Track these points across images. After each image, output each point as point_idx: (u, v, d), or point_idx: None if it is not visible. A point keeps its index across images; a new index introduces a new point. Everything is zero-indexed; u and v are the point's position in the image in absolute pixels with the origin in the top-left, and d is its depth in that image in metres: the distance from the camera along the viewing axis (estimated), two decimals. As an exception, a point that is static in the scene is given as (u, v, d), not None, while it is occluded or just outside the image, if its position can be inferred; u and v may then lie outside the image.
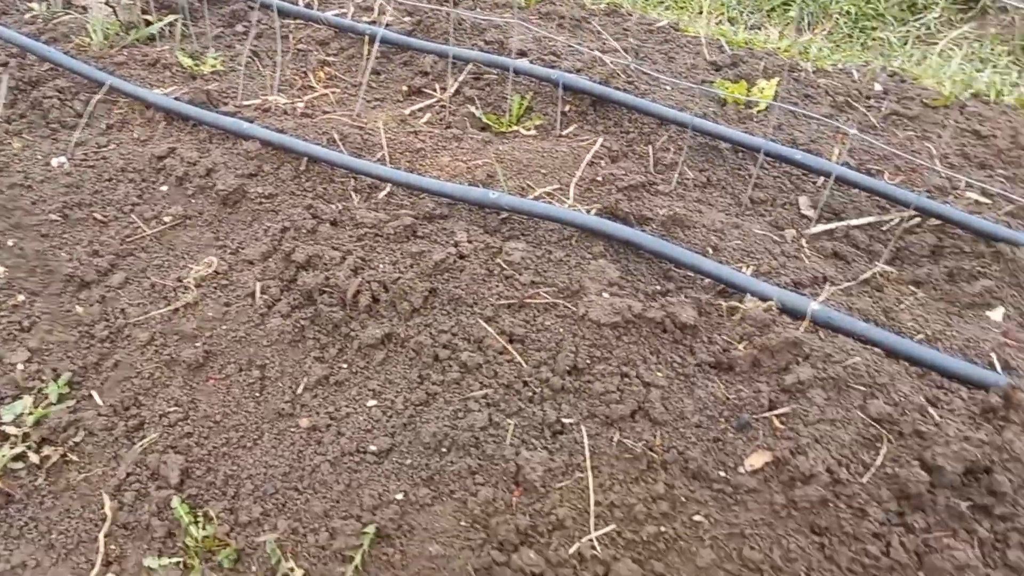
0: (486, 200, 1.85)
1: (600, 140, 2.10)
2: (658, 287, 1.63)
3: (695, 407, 1.35)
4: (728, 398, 1.36)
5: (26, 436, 1.52)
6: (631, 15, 3.02)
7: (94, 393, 1.59)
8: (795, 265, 1.74)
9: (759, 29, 3.30)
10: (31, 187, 1.93)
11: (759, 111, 2.34)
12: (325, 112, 2.29)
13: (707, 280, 1.66)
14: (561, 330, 1.51)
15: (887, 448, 1.25)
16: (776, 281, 1.66)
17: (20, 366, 1.63)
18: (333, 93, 2.44)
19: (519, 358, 1.48)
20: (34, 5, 2.78)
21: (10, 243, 1.82)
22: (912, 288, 1.71)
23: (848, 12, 3.29)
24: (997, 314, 1.66)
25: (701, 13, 3.37)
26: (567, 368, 1.43)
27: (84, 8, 2.72)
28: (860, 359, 1.37)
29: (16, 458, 1.49)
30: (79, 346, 1.65)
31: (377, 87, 2.49)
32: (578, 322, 1.50)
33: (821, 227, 1.91)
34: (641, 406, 1.35)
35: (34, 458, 1.49)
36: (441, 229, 1.83)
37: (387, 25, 2.71)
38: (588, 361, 1.43)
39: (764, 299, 1.53)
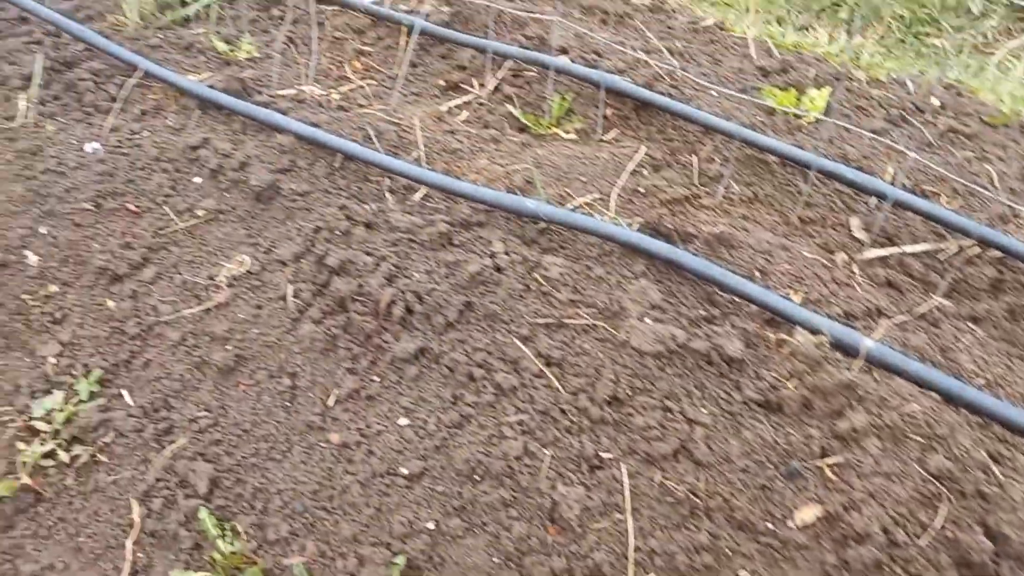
0: (524, 209, 1.80)
1: (643, 149, 2.04)
2: (702, 312, 1.58)
3: (741, 449, 1.30)
4: (777, 442, 1.31)
5: (56, 433, 1.51)
6: (676, 12, 2.93)
7: (124, 392, 1.57)
8: (847, 294, 1.67)
9: (808, 30, 3.20)
10: (65, 173, 1.90)
11: (809, 122, 2.26)
12: (361, 105, 2.24)
13: (754, 306, 1.60)
14: (600, 355, 1.46)
15: (947, 509, 1.20)
16: (827, 311, 1.60)
17: (52, 359, 1.61)
18: (369, 85, 2.39)
19: (556, 383, 1.44)
20: (70, -21, 2.74)
21: (43, 231, 1.80)
22: (971, 325, 1.64)
23: (901, 16, 3.18)
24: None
25: (748, 11, 3.27)
26: (606, 398, 1.38)
27: (120, -16, 2.68)
28: (918, 406, 1.31)
29: (46, 455, 1.48)
30: (110, 342, 1.63)
31: (414, 80, 2.43)
32: (618, 348, 1.46)
33: (874, 252, 1.84)
34: (684, 445, 1.31)
35: (64, 456, 1.48)
36: (477, 237, 1.78)
37: (425, 15, 2.65)
38: (629, 391, 1.39)
39: (814, 332, 1.47)
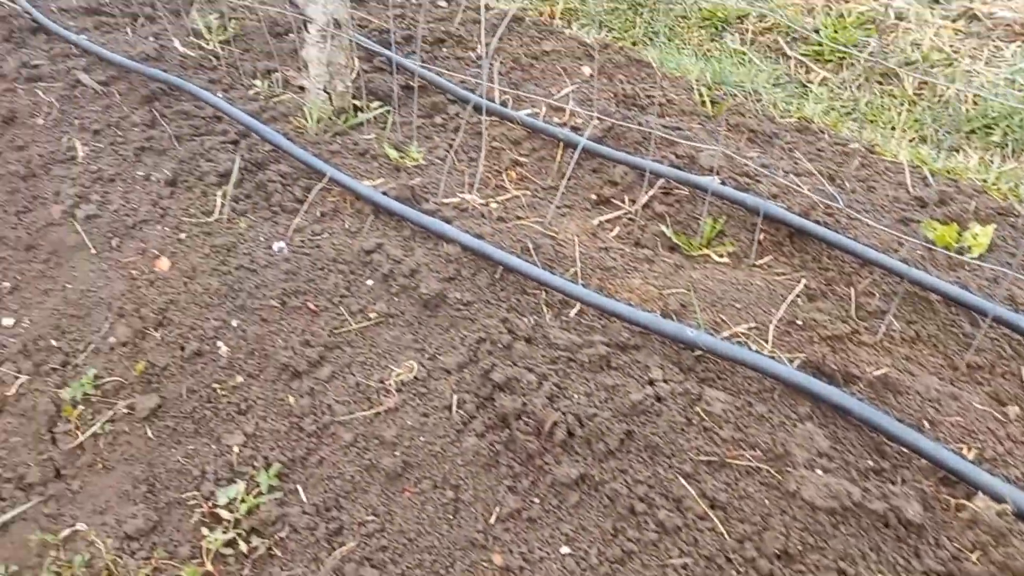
0: (683, 336, 1.83)
1: (803, 282, 2.04)
2: (871, 463, 1.55)
3: (924, 624, 1.26)
4: (962, 620, 1.26)
5: (238, 522, 1.62)
6: (823, 133, 2.95)
7: (300, 488, 1.67)
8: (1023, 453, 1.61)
9: (957, 152, 3.14)
10: (255, 270, 2.08)
11: (972, 258, 2.21)
12: (518, 217, 2.36)
13: (924, 460, 1.56)
14: (767, 503, 1.45)
15: None
16: (1004, 472, 1.54)
17: (236, 449, 1.74)
18: (524, 195, 2.51)
19: (721, 528, 1.44)
20: (257, 82, 3.04)
21: (234, 323, 1.97)
22: None
23: (1061, 143, 3.08)
24: None
25: (894, 130, 3.25)
26: (776, 551, 1.37)
27: (301, 88, 2.95)
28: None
29: (227, 543, 1.59)
30: (289, 437, 1.75)
31: (566, 193, 2.54)
32: (787, 497, 1.45)
33: (1049, 407, 1.76)
34: (862, 612, 1.28)
35: (243, 547, 1.58)
36: (635, 361, 1.82)
37: (576, 129, 2.78)
38: (800, 547, 1.37)
39: (997, 499, 1.42)
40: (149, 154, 2.58)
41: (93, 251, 2.22)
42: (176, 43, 3.25)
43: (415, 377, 1.84)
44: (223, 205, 2.32)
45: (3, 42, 3.26)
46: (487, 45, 3.31)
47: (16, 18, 3.37)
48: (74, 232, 2.28)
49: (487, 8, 3.94)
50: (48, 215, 2.35)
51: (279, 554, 1.58)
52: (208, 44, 3.31)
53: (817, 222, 2.21)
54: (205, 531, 1.62)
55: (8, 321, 2.08)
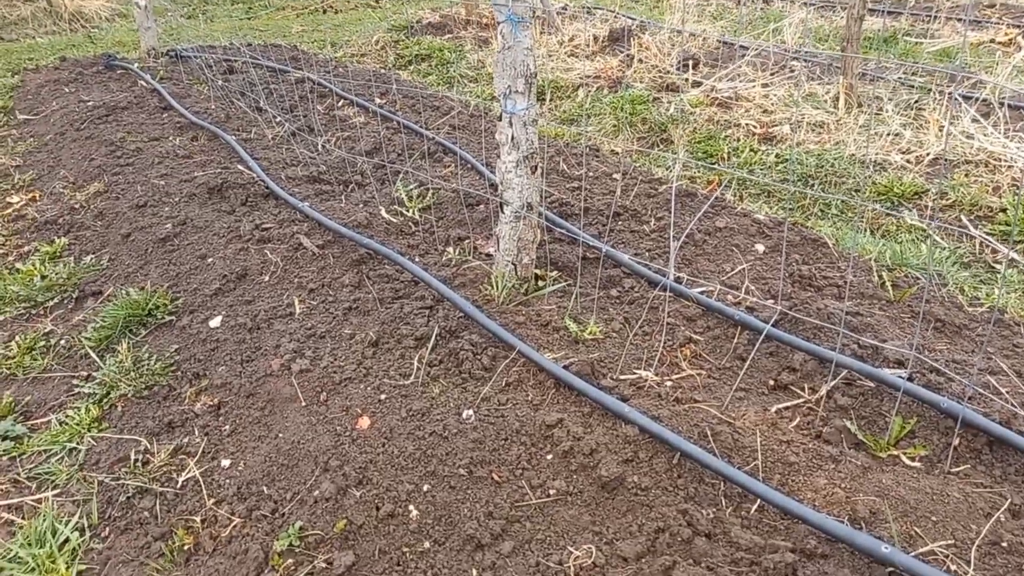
0: (875, 552, 1.77)
1: (1008, 499, 1.93)
2: None
3: None
4: None
5: None
6: (1019, 326, 2.82)
7: (478, 668, 1.72)
8: None
9: None
10: (447, 438, 2.23)
11: None
12: (694, 400, 2.40)
13: None
14: None
15: None
16: None
17: (419, 618, 1.82)
18: (699, 375, 2.56)
19: None
20: (449, 249, 3.35)
21: (425, 488, 2.11)
22: None
23: None
24: None
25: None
26: None
27: (488, 256, 3.22)
28: None
29: None
30: (470, 612, 1.82)
31: (743, 376, 2.57)
32: None
33: None
34: None
35: None
36: (823, 572, 1.77)
37: (752, 310, 2.83)
38: None
39: None
40: (355, 314, 2.89)
41: (304, 404, 2.47)
42: (382, 211, 3.67)
43: (593, 563, 1.87)
44: (419, 369, 2.54)
45: (241, 206, 3.82)
46: (670, 225, 3.49)
47: (253, 185, 3.95)
48: (288, 384, 2.56)
49: (659, 182, 4.16)
50: (268, 366, 2.66)
51: None
52: (408, 211, 3.71)
53: (1021, 432, 2.09)
54: None
55: (226, 463, 2.34)
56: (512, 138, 2.80)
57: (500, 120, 2.82)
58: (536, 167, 2.87)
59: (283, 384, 2.57)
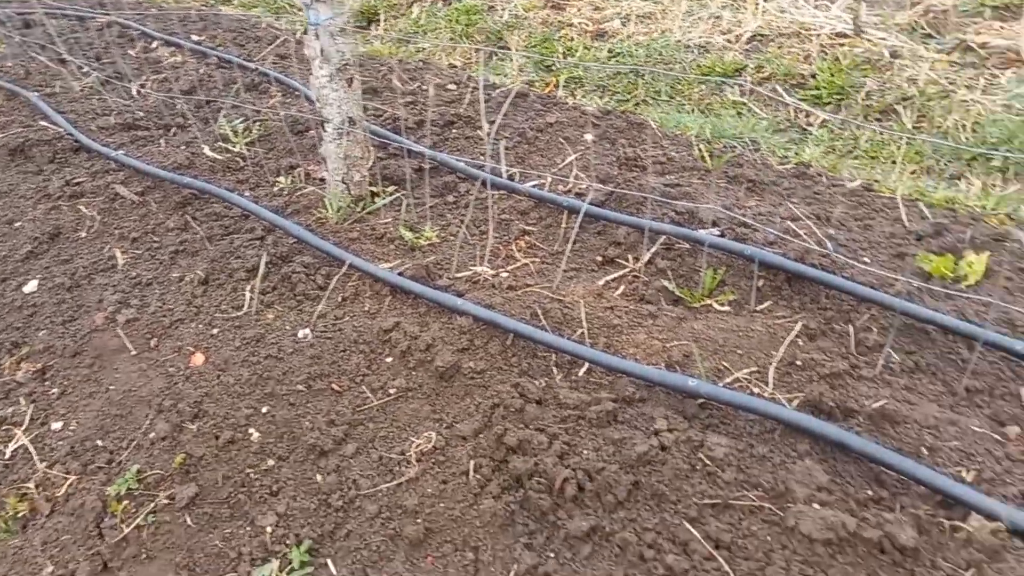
0: (685, 387, 1.91)
1: (800, 323, 2.11)
2: (870, 493, 1.59)
3: (923, 650, 1.30)
4: (960, 643, 1.29)
5: (272, 600, 1.72)
6: (820, 176, 3.04)
7: (329, 562, 1.77)
8: (1022, 471, 1.63)
9: (959, 180, 3.19)
10: (282, 358, 2.23)
11: (968, 286, 2.25)
12: (527, 285, 2.48)
13: (921, 486, 1.60)
14: (769, 539, 1.51)
15: None
16: (1003, 492, 1.57)
17: (269, 529, 1.85)
18: (533, 263, 2.64)
19: (727, 567, 1.50)
20: (280, 179, 3.26)
21: (264, 410, 2.10)
22: None
23: (1063, 162, 3.11)
24: None
25: (894, 163, 3.32)
26: (779, 586, 1.42)
27: (321, 180, 3.16)
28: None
29: (264, 620, 1.68)
30: (318, 514, 1.86)
31: (572, 256, 2.66)
32: (787, 533, 1.50)
33: (1051, 426, 1.79)
34: (862, 642, 1.32)
35: (279, 622, 1.67)
36: (640, 414, 1.90)
37: (581, 195, 2.92)
38: (801, 581, 1.42)
39: (990, 518, 1.45)
40: (183, 256, 2.79)
41: (133, 352, 2.39)
42: (206, 149, 3.51)
43: (434, 447, 1.94)
44: (251, 299, 2.49)
45: (48, 164, 3.56)
46: (491, 123, 3.51)
47: (60, 140, 3.68)
48: (115, 336, 2.46)
49: (494, 87, 4.16)
50: (92, 322, 2.54)
51: (313, 625, 1.67)
52: (235, 147, 3.57)
53: (813, 265, 2.29)
54: (245, 608, 1.72)
55: (57, 425, 2.25)
56: (321, 51, 2.71)
57: (306, 34, 2.73)
58: (352, 79, 2.81)
59: (109, 337, 2.48)
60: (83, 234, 2.99)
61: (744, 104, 3.99)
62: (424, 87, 4.17)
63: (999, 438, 1.77)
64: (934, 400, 1.90)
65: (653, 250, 2.55)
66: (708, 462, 1.69)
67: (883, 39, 4.33)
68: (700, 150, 3.28)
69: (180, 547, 1.86)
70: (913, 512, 1.53)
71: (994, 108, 3.61)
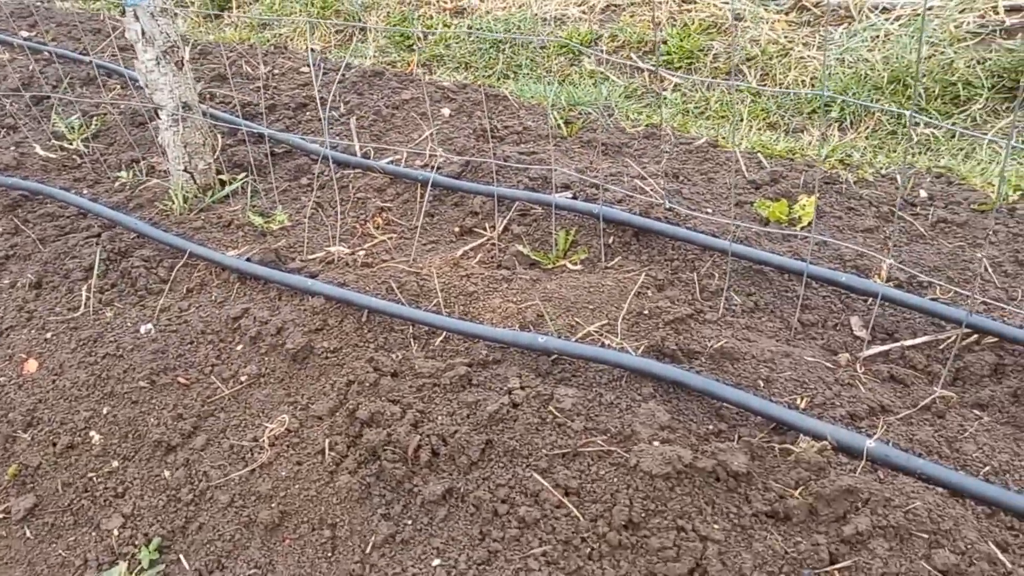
0: (535, 345, 1.93)
1: (644, 273, 2.17)
2: (711, 427, 1.66)
3: (754, 563, 1.36)
4: (787, 552, 1.36)
5: (119, 604, 1.63)
6: (669, 136, 3.14)
7: (182, 557, 1.69)
8: (850, 394, 1.74)
9: (801, 132, 3.36)
10: (122, 356, 2.11)
11: (802, 227, 2.38)
12: (383, 260, 2.44)
13: (760, 417, 1.68)
14: (615, 481, 1.54)
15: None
16: (832, 414, 1.67)
17: (115, 532, 1.75)
18: (390, 238, 2.60)
19: (576, 511, 1.52)
20: (122, 174, 3.08)
21: (105, 411, 1.99)
22: (976, 412, 1.68)
23: (890, 110, 3.33)
24: (1067, 434, 1.62)
25: (742, 121, 3.47)
26: (623, 522, 1.46)
27: (166, 172, 3.00)
28: (921, 503, 1.36)
29: (110, 627, 1.59)
30: (167, 510, 1.77)
31: (431, 229, 2.64)
32: (631, 472, 1.54)
33: (875, 349, 1.91)
34: (699, 563, 1.37)
35: (126, 627, 1.59)
36: (495, 375, 1.91)
37: (438, 169, 2.89)
38: (643, 515, 1.46)
39: (818, 438, 1.54)
40: (14, 261, 2.59)
41: (-40, 365, 2.21)
42: (37, 148, 3.27)
43: (287, 429, 1.88)
44: (88, 299, 2.34)
45: None
46: (333, 99, 3.43)
47: None
48: (-61, 351, 2.27)
49: (348, 67, 4.06)
50: (-89, 338, 2.33)
51: (164, 625, 1.59)
52: (71, 144, 3.34)
53: (658, 219, 2.35)
54: (90, 618, 1.62)
55: None
56: (143, 33, 2.56)
57: (124, 16, 2.57)
58: (181, 61, 2.67)
59: (-68, 352, 2.27)
60: None
61: (600, 73, 4.07)
62: (277, 72, 4.03)
63: (831, 366, 1.87)
64: (772, 336, 2.00)
65: (508, 217, 2.56)
66: (557, 414, 1.71)
67: (726, 3, 4.50)
68: (555, 118, 3.31)
69: (20, 561, 1.74)
70: (748, 440, 1.60)
71: (829, 63, 3.82)
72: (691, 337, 1.95)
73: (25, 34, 4.70)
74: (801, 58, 3.89)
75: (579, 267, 2.34)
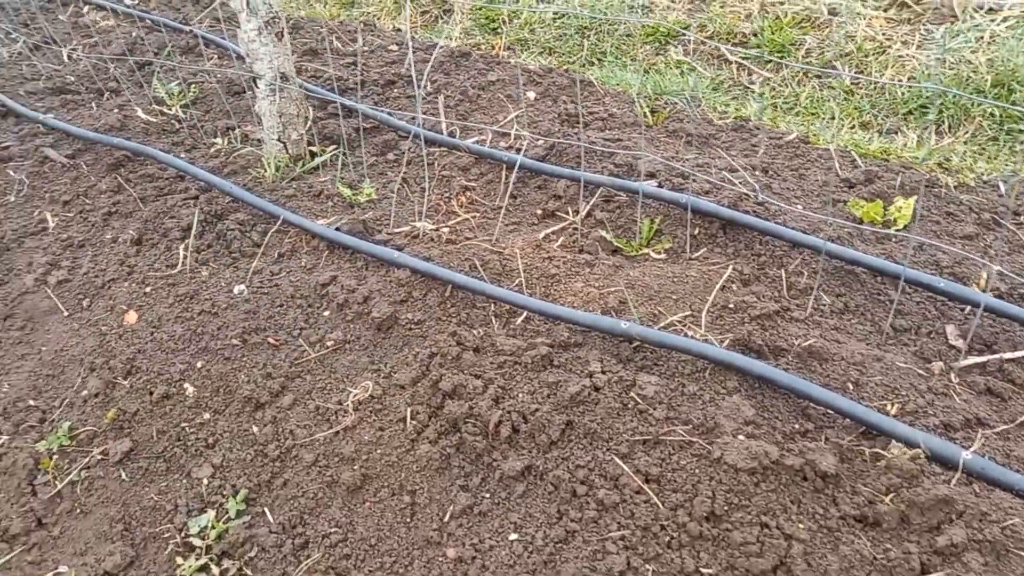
0: (617, 330, 1.93)
1: (731, 267, 2.15)
2: (796, 426, 1.64)
3: (840, 566, 1.34)
4: (876, 558, 1.34)
5: (209, 548, 1.71)
6: (759, 129, 3.08)
7: (266, 510, 1.76)
8: (944, 404, 1.69)
9: (895, 134, 3.25)
10: (217, 314, 2.19)
11: (898, 230, 2.31)
12: (467, 238, 2.47)
13: (848, 419, 1.65)
14: (697, 471, 1.54)
15: (1051, 626, 1.19)
16: (924, 423, 1.63)
17: (205, 480, 1.83)
18: (474, 217, 2.63)
19: (655, 499, 1.52)
20: (217, 140, 3.18)
21: (199, 364, 2.07)
22: (1076, 433, 1.62)
23: (992, 114, 3.19)
24: None
25: (833, 119, 3.37)
26: (704, 514, 1.45)
27: (259, 141, 3.09)
28: (1020, 520, 1.32)
29: (200, 569, 1.67)
30: (254, 464, 1.84)
31: (513, 210, 2.66)
32: (714, 464, 1.53)
33: (972, 360, 1.85)
34: (783, 561, 1.36)
35: (215, 571, 1.66)
36: (575, 358, 1.92)
37: (522, 151, 2.91)
38: (726, 508, 1.45)
39: (910, 445, 1.50)
40: (116, 217, 2.71)
41: (66, 313, 2.33)
42: (139, 112, 3.41)
43: (371, 395, 1.93)
44: (185, 257, 2.44)
45: (-25, 129, 3.42)
46: (423, 78, 3.47)
47: (-14, 105, 3.54)
48: (47, 298, 2.40)
49: (436, 47, 4.10)
50: (22, 284, 2.47)
51: (249, 573, 1.66)
52: (170, 109, 3.47)
53: (746, 212, 2.32)
54: (179, 560, 1.70)
55: (-11, 387, 2.19)
56: (247, 3, 2.64)
57: (231, -14, 2.65)
58: (282, 33, 2.74)
59: (41, 298, 2.41)
60: (11, 198, 2.89)
61: (687, 63, 4.00)
62: (365, 49, 4.09)
63: (923, 373, 1.82)
64: (862, 339, 1.95)
65: (592, 202, 2.56)
66: (639, 400, 1.71)
67: (823, -3, 4.37)
68: (641, 106, 3.28)
69: (115, 501, 1.83)
70: (836, 442, 1.57)
71: (928, 63, 3.68)
72: (777, 334, 1.92)
73: (129, 1, 4.88)
74: (899, 56, 3.76)
75: (662, 256, 2.32)
